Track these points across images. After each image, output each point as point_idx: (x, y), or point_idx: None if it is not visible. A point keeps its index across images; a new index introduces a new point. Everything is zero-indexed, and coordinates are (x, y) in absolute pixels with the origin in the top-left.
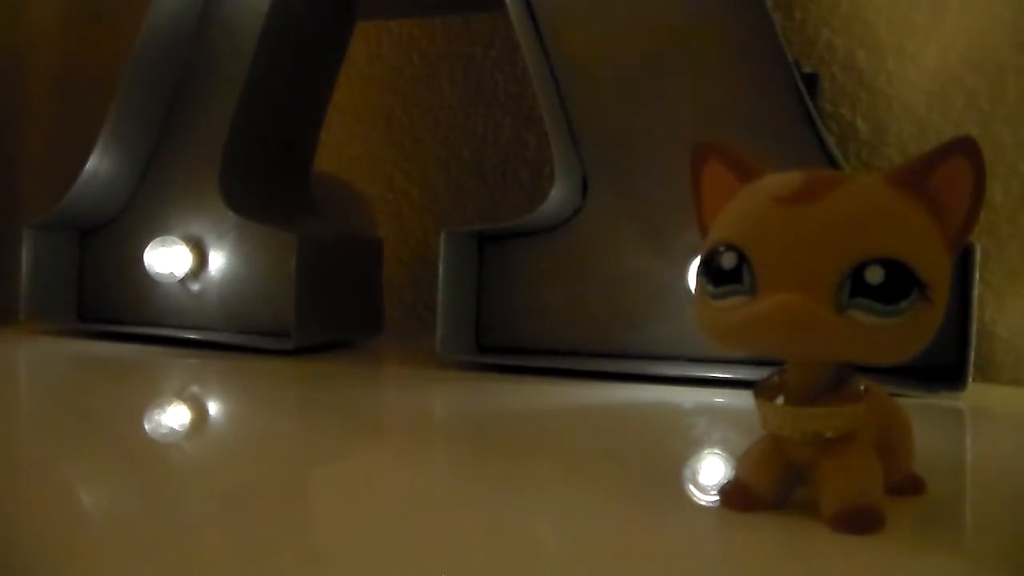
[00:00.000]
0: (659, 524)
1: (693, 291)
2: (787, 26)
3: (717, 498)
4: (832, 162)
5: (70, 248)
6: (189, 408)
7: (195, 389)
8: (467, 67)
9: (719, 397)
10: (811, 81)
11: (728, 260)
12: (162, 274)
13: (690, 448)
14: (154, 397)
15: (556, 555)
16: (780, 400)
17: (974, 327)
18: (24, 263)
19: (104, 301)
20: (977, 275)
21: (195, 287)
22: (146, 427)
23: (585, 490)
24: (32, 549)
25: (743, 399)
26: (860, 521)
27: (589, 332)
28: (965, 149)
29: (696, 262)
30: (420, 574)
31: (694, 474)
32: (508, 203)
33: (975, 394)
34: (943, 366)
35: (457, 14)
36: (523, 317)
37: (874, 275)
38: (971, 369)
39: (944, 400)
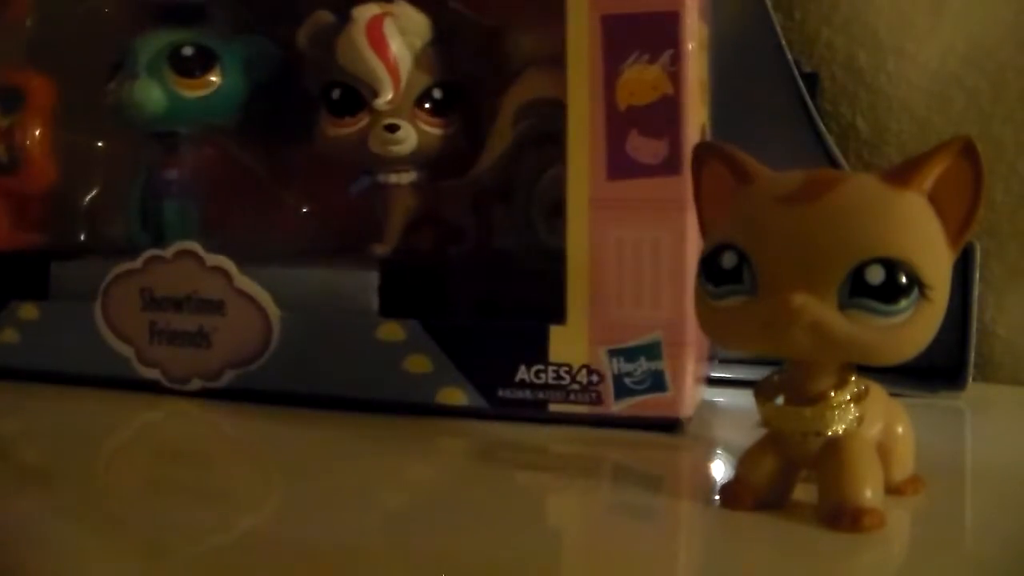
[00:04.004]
0: (658, 523)
1: (693, 291)
2: (787, 26)
3: (717, 497)
4: (832, 162)
5: None
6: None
7: None
8: None
9: (719, 397)
10: (811, 81)
11: (728, 260)
12: None
13: (690, 447)
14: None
15: (555, 553)
16: (780, 400)
17: (974, 327)
18: None
19: None
20: (977, 275)
21: None
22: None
23: (584, 489)
24: None
25: (743, 399)
26: (860, 521)
27: None
28: (965, 149)
29: (696, 262)
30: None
31: (694, 473)
32: None
33: (975, 394)
34: (943, 366)
35: None
36: None
37: (874, 274)
38: (971, 369)
39: (944, 400)
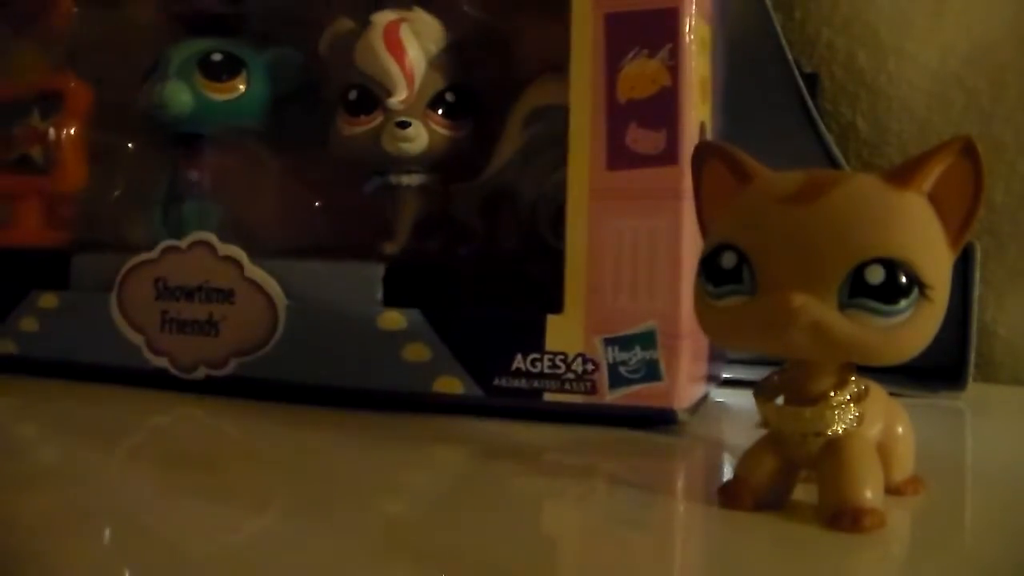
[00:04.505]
0: (658, 523)
1: (693, 290)
2: (787, 26)
3: (717, 497)
4: (832, 162)
5: None
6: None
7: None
8: None
9: (719, 397)
10: (811, 81)
11: (728, 260)
12: None
13: (689, 447)
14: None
15: (555, 553)
16: (780, 400)
17: (974, 327)
18: None
19: None
20: (977, 275)
21: None
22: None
23: (583, 489)
24: None
25: (743, 399)
26: (860, 521)
27: None
28: (965, 149)
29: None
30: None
31: (694, 474)
32: None
33: (975, 394)
34: (943, 366)
35: None
36: None
37: (874, 275)
38: (971, 369)
39: (944, 400)
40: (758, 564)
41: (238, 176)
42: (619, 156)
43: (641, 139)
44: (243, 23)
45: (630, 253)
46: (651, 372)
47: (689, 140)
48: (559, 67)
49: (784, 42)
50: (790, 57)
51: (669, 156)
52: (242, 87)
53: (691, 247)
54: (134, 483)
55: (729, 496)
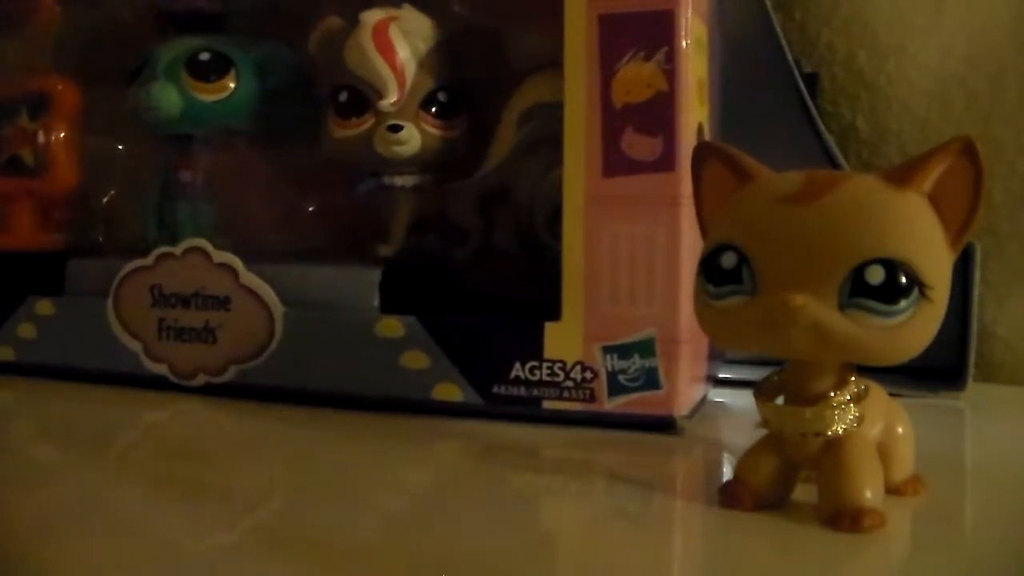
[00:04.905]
0: (658, 524)
1: (693, 291)
2: (787, 26)
3: (717, 497)
4: (832, 162)
5: None
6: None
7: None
8: None
9: (719, 397)
10: (811, 81)
11: (728, 260)
12: None
13: (689, 448)
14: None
15: (554, 554)
16: (780, 400)
17: (974, 327)
18: None
19: None
20: (977, 275)
21: None
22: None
23: (582, 490)
24: None
25: (743, 399)
26: (860, 521)
27: None
28: (965, 149)
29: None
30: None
31: (693, 474)
32: None
33: (975, 394)
34: (943, 366)
35: None
36: None
37: (874, 275)
38: (971, 369)
39: (944, 400)
40: (758, 564)
41: (231, 177)
42: (615, 162)
43: (637, 145)
44: (231, 20)
45: (627, 260)
46: (650, 380)
47: (686, 146)
48: (552, 63)
49: (784, 42)
50: (790, 57)
51: (666, 162)
52: (232, 85)
53: (689, 253)
54: (132, 482)
55: (729, 496)
